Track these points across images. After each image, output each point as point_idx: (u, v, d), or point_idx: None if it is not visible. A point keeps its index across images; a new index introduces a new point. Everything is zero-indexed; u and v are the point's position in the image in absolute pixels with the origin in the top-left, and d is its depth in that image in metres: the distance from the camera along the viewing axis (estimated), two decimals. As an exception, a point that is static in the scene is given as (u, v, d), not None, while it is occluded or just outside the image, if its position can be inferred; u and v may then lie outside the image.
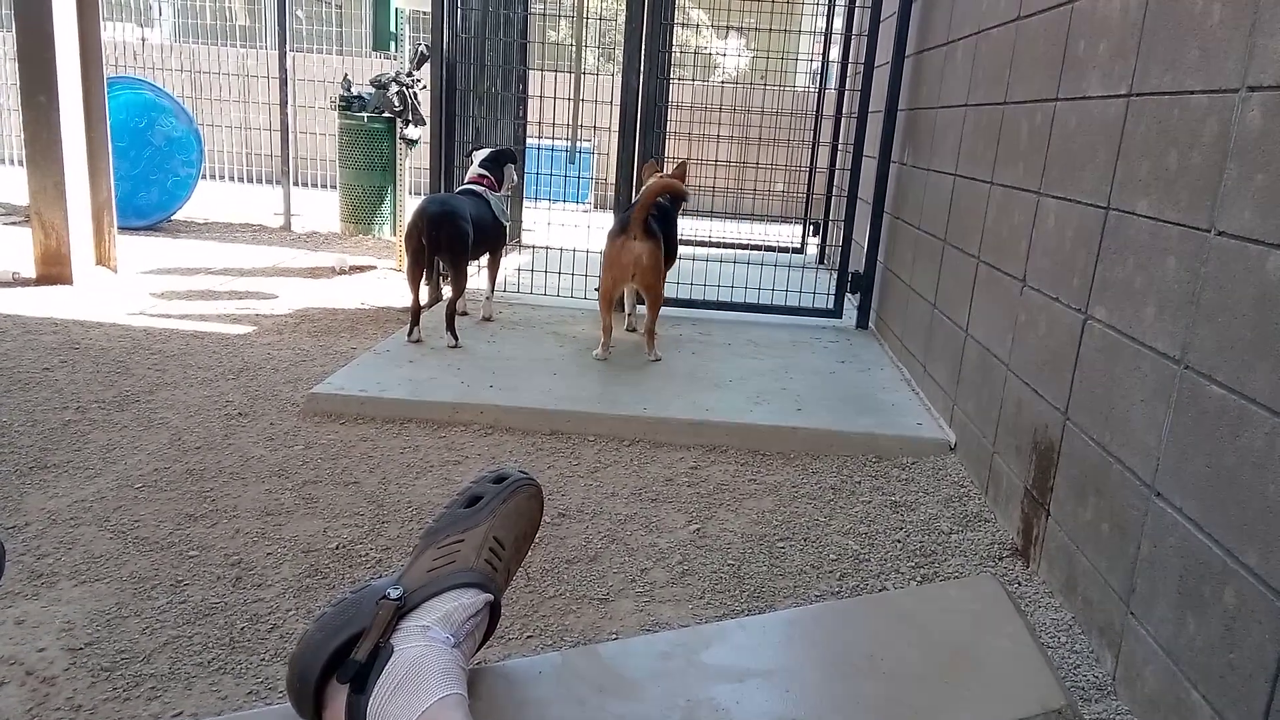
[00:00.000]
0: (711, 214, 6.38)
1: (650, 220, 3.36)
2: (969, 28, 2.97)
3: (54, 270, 4.18)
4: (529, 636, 1.70)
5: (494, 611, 0.97)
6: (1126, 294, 1.72)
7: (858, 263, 4.31)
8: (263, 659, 1.57)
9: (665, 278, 3.76)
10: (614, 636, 1.72)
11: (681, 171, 3.82)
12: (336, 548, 1.97)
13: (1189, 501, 1.45)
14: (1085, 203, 1.94)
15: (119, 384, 2.90)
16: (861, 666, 1.00)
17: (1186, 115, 1.56)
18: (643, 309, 3.54)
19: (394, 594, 0.90)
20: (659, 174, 3.84)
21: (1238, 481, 1.33)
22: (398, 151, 5.41)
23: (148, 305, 3.97)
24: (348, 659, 0.85)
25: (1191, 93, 1.55)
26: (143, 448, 2.42)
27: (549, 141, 7.01)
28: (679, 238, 3.91)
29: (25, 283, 4.17)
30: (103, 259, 4.41)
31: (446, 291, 3.60)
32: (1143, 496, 1.60)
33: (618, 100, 4.11)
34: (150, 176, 5.98)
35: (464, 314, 3.89)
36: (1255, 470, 1.29)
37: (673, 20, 4.48)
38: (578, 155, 8.33)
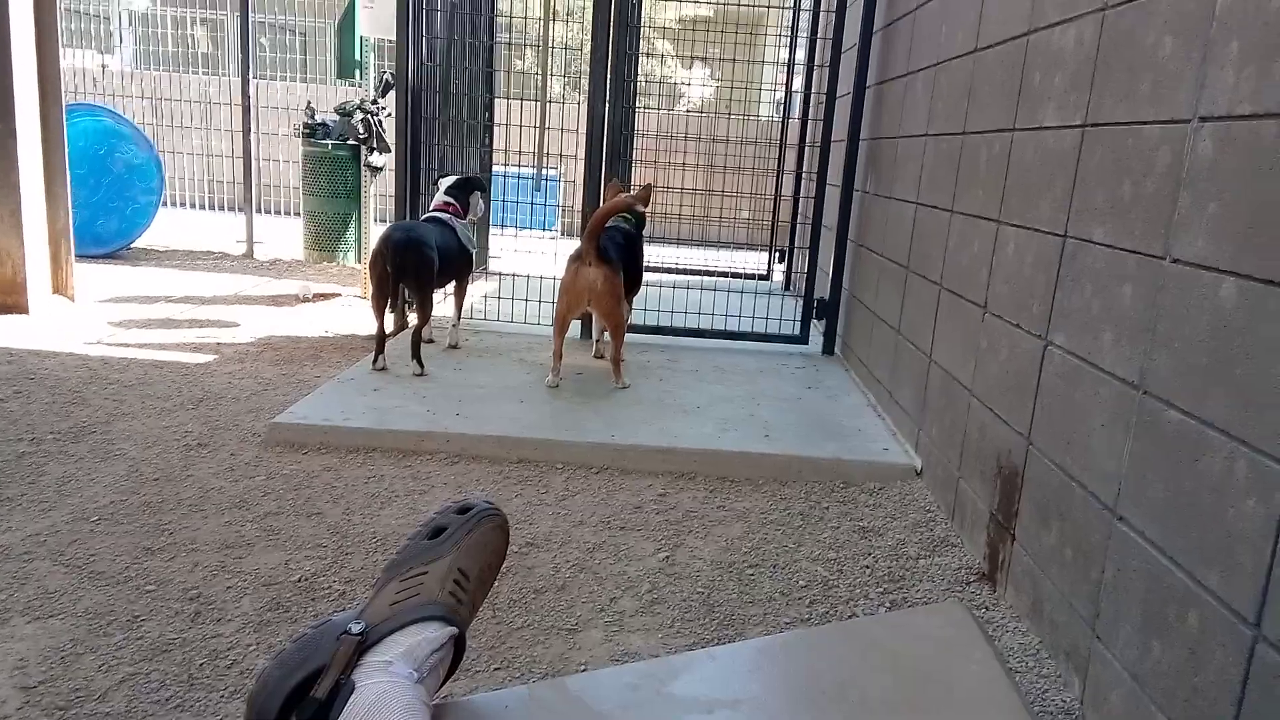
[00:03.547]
0: (678, 241, 6.43)
1: (607, 246, 3.35)
2: (928, 59, 3.02)
3: (9, 299, 4.10)
4: (496, 669, 1.68)
5: (459, 645, 0.95)
6: (1085, 320, 1.75)
7: (823, 289, 4.35)
8: (222, 696, 1.54)
9: (629, 304, 3.77)
10: (583, 667, 1.70)
11: (646, 194, 3.84)
12: (298, 580, 1.93)
13: (1151, 525, 1.47)
14: (1044, 231, 1.97)
15: (75, 415, 2.84)
16: (831, 695, 0.99)
17: (1140, 145, 1.59)
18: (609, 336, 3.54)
19: (355, 629, 0.89)
20: (622, 194, 3.85)
21: (1198, 505, 1.34)
22: (362, 179, 5.39)
23: (105, 334, 3.91)
24: (307, 696, 0.83)
25: (1145, 123, 1.59)
26: (99, 480, 2.37)
27: (515, 169, 7.02)
28: (645, 264, 3.92)
29: (-21, 312, 4.09)
30: (60, 287, 4.33)
31: (412, 319, 3.58)
32: (1105, 521, 1.61)
33: (583, 128, 4.13)
34: (110, 204, 5.91)
35: (430, 341, 3.87)
36: (1214, 494, 1.31)
37: (638, 50, 4.52)
38: (544, 183, 8.35)
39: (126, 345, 3.75)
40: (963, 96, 2.62)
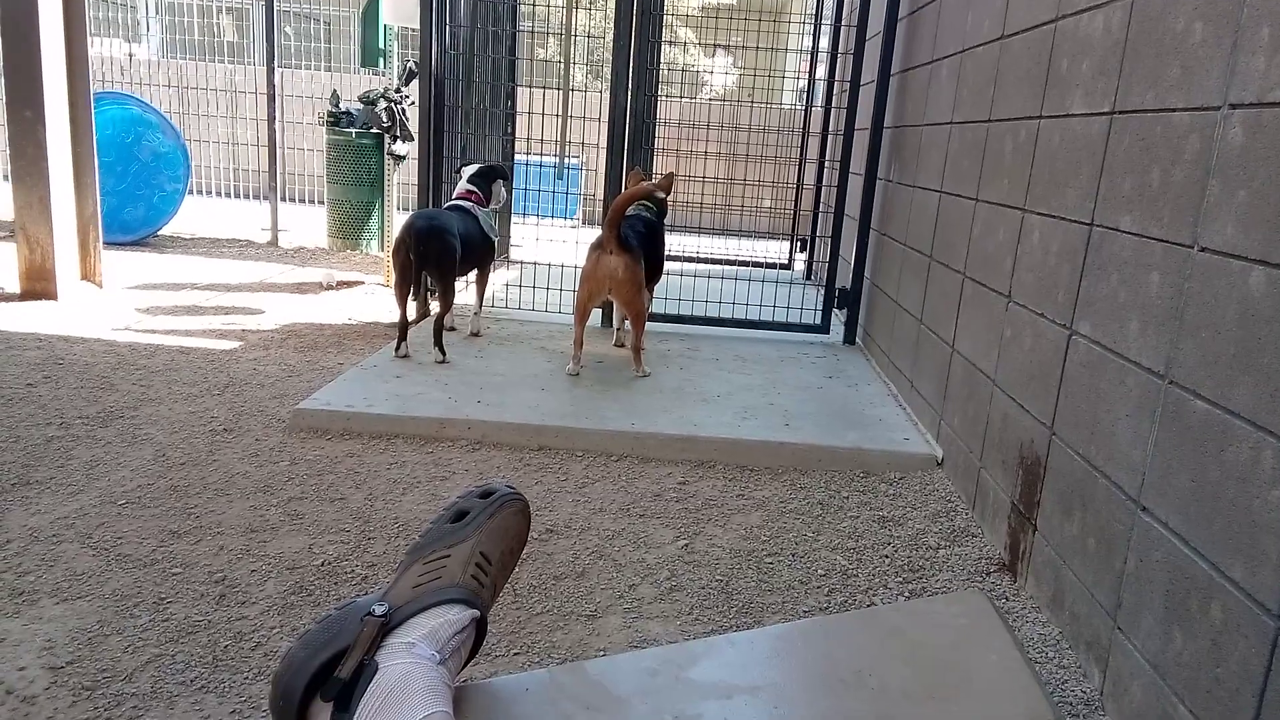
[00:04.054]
0: (700, 230, 6.41)
1: (628, 234, 3.35)
2: (953, 46, 3.00)
3: (39, 285, 4.16)
4: (516, 653, 1.69)
5: (480, 628, 0.96)
6: (1111, 309, 1.73)
7: (845, 279, 4.33)
8: (246, 677, 1.56)
9: (650, 293, 3.77)
10: (602, 653, 1.71)
11: (667, 182, 3.83)
12: (322, 564, 1.95)
13: (1175, 516, 1.45)
14: (1069, 219, 1.95)
15: (103, 400, 2.88)
16: (850, 683, 0.99)
17: (1169, 132, 1.57)
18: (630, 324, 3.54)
19: (379, 610, 0.90)
20: (643, 182, 3.85)
21: (1223, 496, 1.33)
22: (386, 167, 5.41)
23: (133, 320, 3.95)
24: (331, 677, 0.84)
25: (1173, 110, 1.57)
26: (126, 464, 2.40)
27: (537, 157, 7.03)
28: (666, 253, 3.91)
29: (9, 298, 4.15)
30: (88, 274, 4.38)
31: (434, 307, 3.60)
32: (1129, 511, 1.60)
33: (606, 117, 4.13)
34: (137, 192, 5.96)
35: (452, 329, 3.89)
36: (1239, 485, 1.29)
37: (660, 38, 4.51)
38: (566, 171, 8.35)
39: (153, 331, 3.79)
40: (988, 84, 2.59)
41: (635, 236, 3.40)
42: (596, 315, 4.21)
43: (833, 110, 5.53)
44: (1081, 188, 1.91)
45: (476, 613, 0.94)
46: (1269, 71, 1.31)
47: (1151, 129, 1.64)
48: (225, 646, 1.64)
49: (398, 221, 4.26)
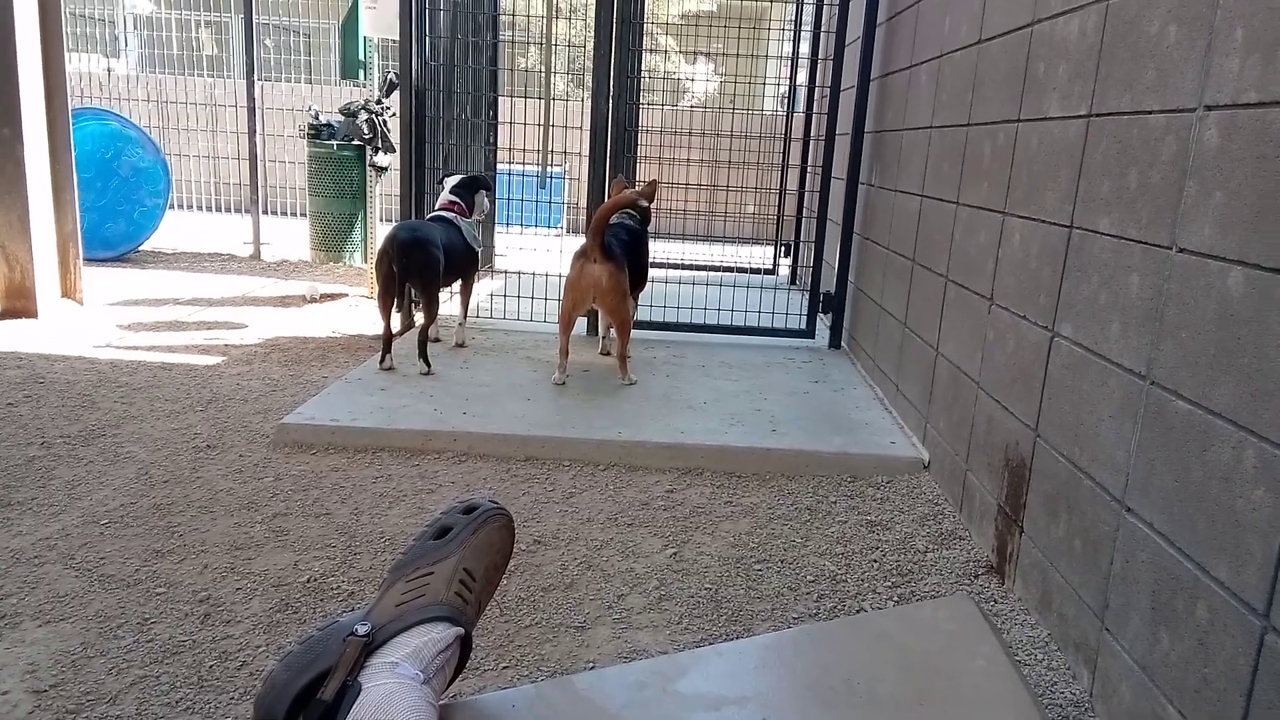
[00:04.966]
0: (683, 237, 6.42)
1: (612, 242, 3.34)
2: (931, 51, 3.01)
3: (18, 304, 4.12)
4: (504, 667, 1.68)
5: (465, 645, 0.95)
6: (1092, 311, 1.74)
7: (829, 283, 4.34)
8: (232, 698, 1.54)
9: (635, 301, 3.76)
10: (591, 665, 1.70)
11: (651, 190, 3.84)
12: (307, 581, 1.94)
13: (1159, 516, 1.46)
14: (1049, 221, 1.96)
15: (85, 418, 2.85)
16: (839, 691, 0.99)
17: (1145, 135, 1.58)
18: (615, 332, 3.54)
19: (362, 630, 0.89)
20: (626, 190, 3.85)
21: (1206, 495, 1.34)
22: (367, 179, 5.40)
23: (114, 337, 3.92)
24: (314, 699, 0.83)
25: (1150, 112, 1.58)
26: (109, 483, 2.38)
27: (520, 167, 7.03)
28: (650, 260, 3.91)
29: (-12, 317, 4.11)
30: (68, 291, 4.35)
31: (418, 318, 3.59)
32: (1114, 512, 1.61)
33: (588, 125, 4.13)
34: (117, 207, 5.93)
35: (436, 340, 3.87)
36: (1222, 484, 1.30)
37: (641, 46, 4.52)
38: (549, 180, 8.33)
39: (135, 348, 3.76)
40: (967, 88, 2.61)
41: (619, 245, 3.40)
42: (582, 324, 4.20)
43: (814, 116, 5.54)
44: (1060, 190, 1.92)
45: (461, 630, 0.93)
46: (1243, 73, 1.32)
47: (1128, 131, 1.65)
48: (210, 666, 1.62)
49: (380, 233, 4.24)
